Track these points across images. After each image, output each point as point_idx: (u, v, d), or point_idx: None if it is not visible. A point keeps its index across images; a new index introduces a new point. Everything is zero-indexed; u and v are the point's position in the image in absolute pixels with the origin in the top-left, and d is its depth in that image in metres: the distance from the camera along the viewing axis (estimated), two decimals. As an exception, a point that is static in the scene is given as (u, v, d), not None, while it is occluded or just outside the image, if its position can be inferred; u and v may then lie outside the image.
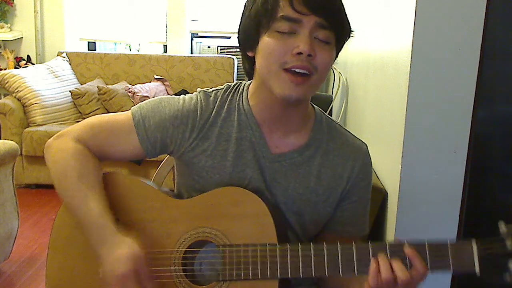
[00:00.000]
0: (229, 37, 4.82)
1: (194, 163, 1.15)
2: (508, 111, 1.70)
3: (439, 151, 1.59)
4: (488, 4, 1.48)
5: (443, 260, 0.97)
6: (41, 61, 4.57)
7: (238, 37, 1.13)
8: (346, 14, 1.07)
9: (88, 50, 4.98)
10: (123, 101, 3.96)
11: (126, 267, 1.01)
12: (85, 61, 4.42)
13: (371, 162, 1.21)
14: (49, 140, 1.17)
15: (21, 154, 3.71)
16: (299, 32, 1.02)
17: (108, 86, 4.09)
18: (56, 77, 4.14)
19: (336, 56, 1.11)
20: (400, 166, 1.60)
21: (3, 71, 4.01)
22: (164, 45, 4.93)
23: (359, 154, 1.17)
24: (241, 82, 1.20)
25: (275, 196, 1.13)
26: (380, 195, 1.79)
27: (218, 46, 4.65)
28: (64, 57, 4.38)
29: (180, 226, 1.10)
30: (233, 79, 4.40)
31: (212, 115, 1.15)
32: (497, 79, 1.63)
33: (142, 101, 1.20)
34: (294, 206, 1.14)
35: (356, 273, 0.99)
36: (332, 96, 3.29)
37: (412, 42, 1.52)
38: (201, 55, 4.63)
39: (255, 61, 1.10)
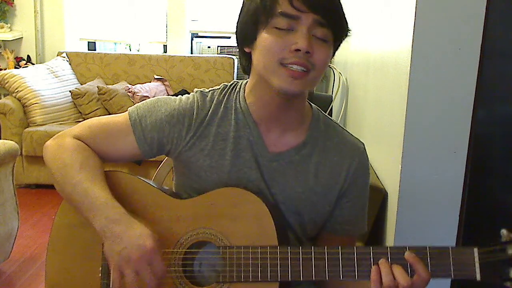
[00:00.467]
0: (229, 37, 4.82)
1: (192, 163, 1.15)
2: (508, 111, 1.70)
3: (439, 151, 1.59)
4: (488, 4, 1.48)
5: (444, 266, 0.96)
6: (41, 61, 4.57)
7: (235, 33, 1.13)
8: (344, 13, 1.08)
9: (88, 50, 4.98)
10: (123, 101, 3.95)
11: (152, 242, 1.00)
12: (85, 61, 4.42)
13: (368, 161, 1.21)
14: (47, 142, 1.17)
15: (21, 154, 3.71)
16: (297, 29, 1.02)
17: (108, 86, 4.09)
18: (56, 77, 4.14)
19: (333, 55, 1.11)
20: (400, 166, 1.60)
21: (3, 71, 4.00)
22: (164, 45, 4.93)
23: (356, 153, 1.17)
24: (237, 82, 1.21)
25: (274, 196, 1.13)
26: (380, 195, 1.79)
27: (218, 46, 4.65)
28: (64, 57, 4.38)
29: (180, 226, 1.10)
30: (233, 79, 4.38)
31: (209, 114, 1.15)
32: (497, 79, 1.63)
33: (138, 103, 1.20)
34: (293, 205, 1.14)
35: (356, 277, 0.99)
36: (332, 96, 3.29)
37: (412, 42, 1.52)
38: (201, 55, 4.63)
39: (252, 57, 1.10)
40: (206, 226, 1.08)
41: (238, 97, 1.16)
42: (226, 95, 1.18)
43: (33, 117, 3.84)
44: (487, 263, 0.94)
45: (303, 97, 1.14)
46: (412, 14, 1.51)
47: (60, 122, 3.96)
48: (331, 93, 3.40)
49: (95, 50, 5.05)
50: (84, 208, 1.06)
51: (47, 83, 4.02)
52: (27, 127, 3.82)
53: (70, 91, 4.06)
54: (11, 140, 2.74)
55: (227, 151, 1.13)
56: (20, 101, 3.83)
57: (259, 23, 1.05)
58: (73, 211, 1.13)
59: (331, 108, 3.26)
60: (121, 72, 4.40)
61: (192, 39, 4.82)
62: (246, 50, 1.11)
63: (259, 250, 1.03)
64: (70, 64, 4.37)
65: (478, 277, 0.95)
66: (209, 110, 1.15)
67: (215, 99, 1.17)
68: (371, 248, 0.99)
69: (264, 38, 1.04)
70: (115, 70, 4.40)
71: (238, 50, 1.15)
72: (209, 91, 1.19)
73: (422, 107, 1.56)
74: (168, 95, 4.25)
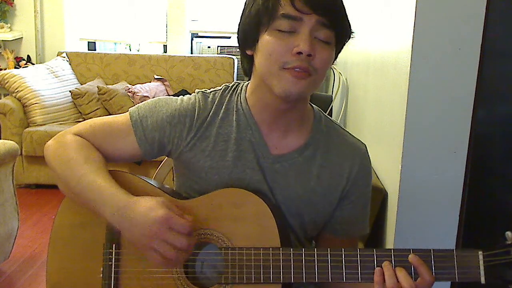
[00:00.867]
0: (229, 37, 4.82)
1: (193, 164, 1.14)
2: (508, 111, 1.70)
3: (439, 151, 1.59)
4: (488, 4, 1.48)
5: (448, 269, 0.96)
6: (41, 61, 4.57)
7: (237, 36, 1.13)
8: (346, 15, 1.07)
9: (88, 50, 4.98)
10: (123, 101, 3.95)
11: (163, 209, 0.97)
12: (85, 61, 4.42)
13: (370, 162, 1.20)
14: (48, 142, 1.16)
15: (21, 154, 3.71)
16: (299, 31, 1.01)
17: (108, 86, 4.09)
18: (56, 77, 4.14)
19: (336, 57, 1.10)
20: (400, 166, 1.60)
21: (3, 71, 4.00)
22: (164, 45, 4.93)
23: (358, 154, 1.17)
24: (239, 83, 1.20)
25: (275, 197, 1.13)
26: (380, 195, 1.79)
27: (218, 46, 4.65)
28: (64, 57, 4.38)
29: None
30: (233, 79, 4.40)
31: (210, 115, 1.15)
32: (497, 79, 1.63)
33: (142, 101, 1.19)
34: (294, 206, 1.14)
35: (360, 280, 0.99)
36: (332, 96, 3.29)
37: (412, 42, 1.52)
38: (201, 55, 4.63)
39: (254, 59, 1.09)
40: (208, 227, 1.08)
41: (239, 98, 1.16)
42: (228, 96, 1.17)
43: (33, 117, 3.84)
44: (491, 266, 0.94)
45: (305, 99, 1.13)
46: (412, 14, 1.51)
47: (60, 122, 3.96)
48: (331, 93, 3.40)
49: (95, 50, 5.05)
50: (90, 199, 1.05)
51: (47, 83, 4.02)
52: (27, 127, 3.82)
53: (70, 91, 4.06)
54: (11, 140, 2.74)
55: (229, 152, 1.13)
56: (20, 101, 3.83)
57: (261, 26, 1.04)
58: (73, 211, 1.13)
59: (331, 108, 3.26)
60: (121, 72, 4.40)
61: (192, 39, 4.82)
62: (249, 53, 1.10)
63: (261, 252, 1.03)
64: (70, 64, 4.37)
65: (482, 280, 0.94)
66: (210, 111, 1.15)
67: (217, 100, 1.16)
68: (374, 250, 0.99)
69: (266, 41, 1.03)
70: (115, 70, 4.40)
71: (240, 52, 1.14)
72: (211, 91, 1.18)
73: (422, 107, 1.56)
74: (168, 95, 4.25)
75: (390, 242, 1.71)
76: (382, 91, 1.99)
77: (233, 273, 1.04)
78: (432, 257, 0.97)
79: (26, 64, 4.52)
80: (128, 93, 4.01)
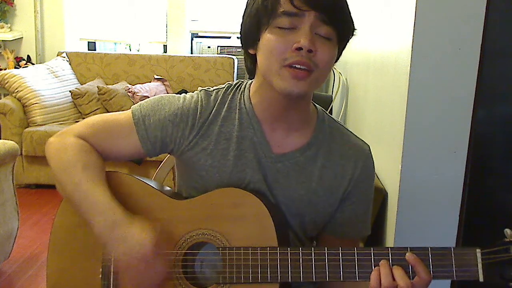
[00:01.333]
0: (229, 37, 4.82)
1: (194, 162, 1.14)
2: (508, 111, 1.70)
3: (439, 151, 1.59)
4: (488, 4, 1.48)
5: (446, 268, 0.95)
6: (41, 61, 4.57)
7: (240, 35, 1.13)
8: (349, 11, 1.06)
9: (88, 50, 4.98)
10: (123, 101, 3.95)
11: (153, 242, 1.01)
12: (85, 61, 4.42)
13: (373, 164, 1.19)
14: (50, 138, 1.16)
15: (21, 154, 3.71)
16: (299, 28, 1.01)
17: (108, 86, 4.09)
18: (56, 77, 4.14)
19: (339, 55, 1.09)
20: (400, 166, 1.60)
21: (3, 71, 4.01)
22: (164, 45, 4.93)
23: (361, 155, 1.16)
24: (242, 81, 1.20)
25: (275, 197, 1.13)
26: (380, 195, 1.79)
27: (218, 46, 4.65)
28: (64, 57, 4.38)
29: (180, 227, 1.09)
30: (233, 79, 4.40)
31: (212, 113, 1.14)
32: (497, 79, 1.63)
33: (142, 101, 1.19)
34: (294, 207, 1.13)
35: (357, 278, 0.99)
36: (332, 96, 3.29)
37: (412, 42, 1.52)
38: (201, 55, 4.63)
39: (256, 58, 1.09)
40: (206, 227, 1.08)
41: (243, 97, 1.16)
42: (231, 95, 1.17)
43: (33, 117, 3.84)
44: (490, 264, 0.93)
45: (308, 98, 1.12)
46: (412, 14, 1.51)
47: (60, 122, 3.96)
48: (331, 93, 3.40)
49: (95, 50, 5.05)
50: (84, 210, 1.07)
51: (47, 83, 4.02)
52: (27, 127, 3.82)
53: (70, 91, 4.06)
54: (11, 140, 2.74)
55: (230, 151, 1.12)
56: (20, 101, 3.83)
57: (262, 24, 1.04)
58: (73, 211, 1.13)
59: (331, 108, 3.26)
60: (121, 72, 4.40)
61: (192, 39, 4.82)
62: (251, 52, 1.10)
63: (258, 251, 1.03)
64: (70, 64, 4.37)
65: (481, 278, 0.94)
66: (213, 109, 1.15)
67: (219, 98, 1.16)
68: (371, 249, 0.99)
69: (267, 38, 1.03)
70: (115, 70, 4.40)
71: (243, 52, 1.14)
72: (214, 90, 1.18)
73: (422, 107, 1.56)
74: (168, 95, 4.24)
75: (390, 242, 1.71)
76: (382, 91, 1.99)
77: (231, 273, 1.04)
78: (430, 255, 0.96)
79: (26, 64, 4.52)
80: (128, 93, 4.01)
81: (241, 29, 1.11)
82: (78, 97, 4.03)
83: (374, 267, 0.98)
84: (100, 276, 1.10)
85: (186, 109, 1.14)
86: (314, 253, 1.01)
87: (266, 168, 1.13)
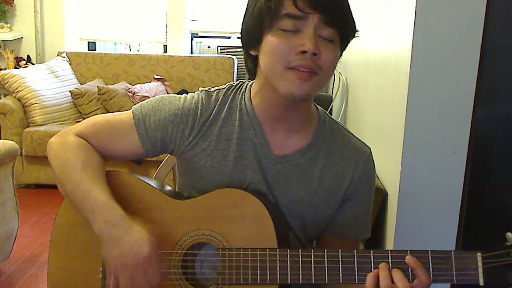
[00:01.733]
0: (229, 37, 4.82)
1: (194, 162, 1.14)
2: (508, 111, 1.70)
3: (439, 151, 1.59)
4: (488, 4, 1.49)
5: (446, 271, 0.95)
6: (41, 61, 4.57)
7: (241, 36, 1.12)
8: (351, 13, 1.06)
9: (88, 50, 4.98)
10: (123, 101, 3.95)
11: (149, 249, 1.01)
12: (85, 61, 4.42)
13: (374, 165, 1.19)
14: (51, 138, 1.17)
15: (21, 154, 3.71)
16: (303, 30, 1.00)
17: (108, 86, 4.09)
18: (56, 77, 4.14)
19: (340, 55, 1.09)
20: (400, 166, 1.60)
21: (3, 71, 4.00)
22: (164, 45, 4.93)
23: (362, 157, 1.16)
24: (243, 82, 1.19)
25: (276, 198, 1.13)
26: (380, 195, 1.79)
27: (218, 46, 4.65)
28: (64, 57, 4.38)
29: (179, 227, 1.09)
30: (233, 79, 4.40)
31: (213, 114, 1.14)
32: (497, 79, 1.63)
33: (142, 101, 1.19)
34: (295, 208, 1.13)
35: (356, 281, 0.98)
36: (332, 96, 3.29)
37: (412, 42, 1.52)
38: (201, 55, 4.63)
39: (258, 60, 1.09)
40: (206, 228, 1.08)
41: (243, 98, 1.15)
42: (232, 95, 1.16)
43: (33, 117, 3.84)
44: (491, 268, 0.93)
45: (309, 99, 1.12)
46: (412, 14, 1.51)
47: (60, 122, 3.96)
48: (331, 93, 3.40)
49: (95, 50, 5.05)
50: (84, 208, 1.07)
51: (47, 83, 4.02)
52: (27, 127, 3.82)
53: (70, 91, 4.06)
54: (11, 140, 2.74)
55: (230, 151, 1.12)
56: (20, 101, 3.83)
57: (264, 26, 1.03)
58: (74, 211, 1.13)
59: (331, 108, 3.26)
60: (121, 72, 4.40)
61: (192, 39, 4.82)
62: (252, 53, 1.09)
63: (258, 253, 1.03)
64: (70, 64, 4.37)
65: (481, 282, 0.93)
66: (213, 110, 1.14)
67: (220, 98, 1.16)
68: (371, 251, 0.98)
69: (270, 41, 1.02)
70: (115, 70, 4.40)
71: (243, 53, 1.13)
72: (214, 90, 1.18)
73: (422, 107, 1.56)
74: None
75: (390, 242, 1.71)
76: (382, 91, 1.99)
77: (230, 274, 1.04)
78: (430, 258, 0.96)
79: (26, 64, 4.52)
80: (128, 93, 4.01)
81: (242, 29, 1.10)
82: (78, 97, 4.03)
83: (374, 270, 0.97)
84: (100, 275, 1.11)
85: (186, 109, 1.14)
86: (313, 255, 1.00)
87: (267, 170, 1.12)
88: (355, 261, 0.98)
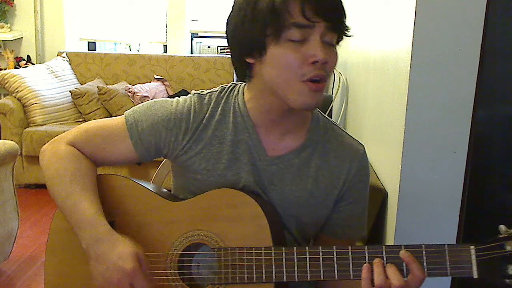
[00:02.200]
0: (229, 37, 4.81)
1: (188, 166, 1.14)
2: (508, 111, 1.70)
3: (439, 151, 1.59)
4: (488, 4, 1.48)
5: (440, 265, 0.95)
6: (41, 61, 4.57)
7: (231, 40, 1.08)
8: (345, 14, 1.06)
9: (88, 50, 4.98)
10: (123, 101, 3.95)
11: (132, 263, 1.00)
12: (85, 61, 4.42)
13: (368, 163, 1.20)
14: (44, 146, 1.17)
15: (21, 154, 3.71)
16: (310, 39, 0.99)
17: (108, 86, 4.09)
18: (56, 77, 4.14)
19: None
20: (400, 166, 1.60)
21: (3, 71, 4.01)
22: (164, 45, 4.93)
23: (356, 155, 1.16)
24: (236, 84, 1.18)
25: (271, 199, 1.13)
26: (380, 195, 1.79)
27: (218, 46, 4.65)
28: (64, 57, 4.38)
29: (175, 228, 1.09)
30: (233, 79, 4.40)
31: (206, 117, 1.14)
32: (497, 79, 1.63)
33: (142, 101, 1.19)
34: (290, 208, 1.13)
35: (352, 277, 0.98)
36: (332, 96, 3.29)
37: (412, 42, 1.52)
38: (201, 55, 4.63)
39: (253, 67, 1.07)
40: (201, 228, 1.08)
41: (237, 100, 1.15)
42: (224, 98, 1.16)
43: (33, 117, 3.84)
44: (484, 260, 0.93)
45: None
46: (412, 14, 1.51)
47: (60, 122, 3.96)
48: (331, 93, 3.40)
49: (95, 50, 5.05)
50: (72, 222, 1.07)
51: (47, 83, 4.02)
52: (27, 127, 3.82)
53: (70, 91, 4.06)
54: (11, 140, 2.75)
55: (224, 154, 1.12)
56: (20, 101, 3.83)
57: (267, 35, 1.00)
58: None
59: (331, 108, 3.26)
60: (121, 72, 4.40)
61: (192, 39, 4.82)
62: (249, 60, 1.06)
63: (253, 251, 1.03)
64: (70, 64, 4.37)
65: (475, 275, 0.94)
66: (206, 113, 1.14)
67: (213, 101, 1.15)
68: (366, 247, 0.99)
69: (280, 53, 1.00)
70: (115, 70, 4.40)
71: (234, 57, 1.09)
72: (207, 93, 1.17)
73: (422, 107, 1.56)
74: (168, 95, 4.25)
75: (390, 242, 1.71)
76: (382, 91, 1.99)
77: (226, 273, 1.04)
78: (424, 252, 0.96)
79: (26, 64, 4.52)
80: (128, 93, 4.01)
81: (234, 34, 1.06)
82: (78, 97, 4.03)
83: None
84: (95, 275, 1.10)
85: (179, 113, 1.14)
86: (308, 252, 1.01)
87: (261, 171, 1.12)
88: (350, 257, 0.99)
